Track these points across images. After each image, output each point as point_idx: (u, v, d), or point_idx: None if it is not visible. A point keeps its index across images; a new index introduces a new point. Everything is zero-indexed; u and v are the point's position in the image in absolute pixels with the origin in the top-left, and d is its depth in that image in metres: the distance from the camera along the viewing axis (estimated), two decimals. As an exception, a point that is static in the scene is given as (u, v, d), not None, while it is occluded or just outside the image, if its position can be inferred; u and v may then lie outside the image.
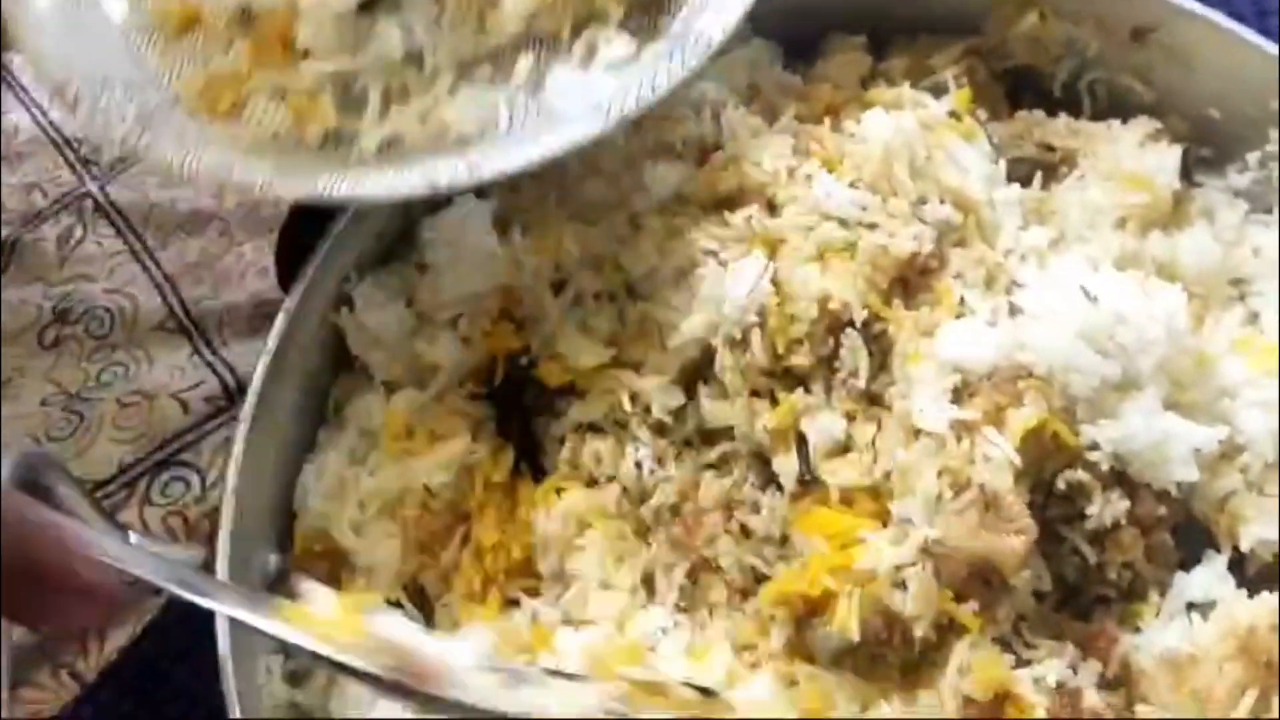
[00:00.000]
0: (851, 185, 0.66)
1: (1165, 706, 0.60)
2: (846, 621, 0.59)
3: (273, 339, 0.65)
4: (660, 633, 0.63)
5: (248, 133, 0.68)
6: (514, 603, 0.65)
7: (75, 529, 0.51)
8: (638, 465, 0.65)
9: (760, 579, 0.63)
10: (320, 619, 0.56)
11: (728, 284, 0.65)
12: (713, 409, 0.64)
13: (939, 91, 0.72)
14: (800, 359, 0.64)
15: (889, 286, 0.65)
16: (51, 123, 1.02)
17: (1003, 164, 0.70)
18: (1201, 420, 0.64)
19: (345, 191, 0.64)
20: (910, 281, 0.65)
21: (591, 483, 0.66)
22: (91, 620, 0.50)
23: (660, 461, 0.65)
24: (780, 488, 0.64)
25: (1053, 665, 0.60)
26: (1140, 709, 0.61)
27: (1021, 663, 0.61)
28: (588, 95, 0.67)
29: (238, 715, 0.58)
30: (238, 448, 0.63)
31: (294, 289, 0.66)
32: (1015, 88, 0.77)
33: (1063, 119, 0.74)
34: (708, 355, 0.65)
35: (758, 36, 0.75)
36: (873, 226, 0.65)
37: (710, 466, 0.65)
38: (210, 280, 0.91)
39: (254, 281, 0.91)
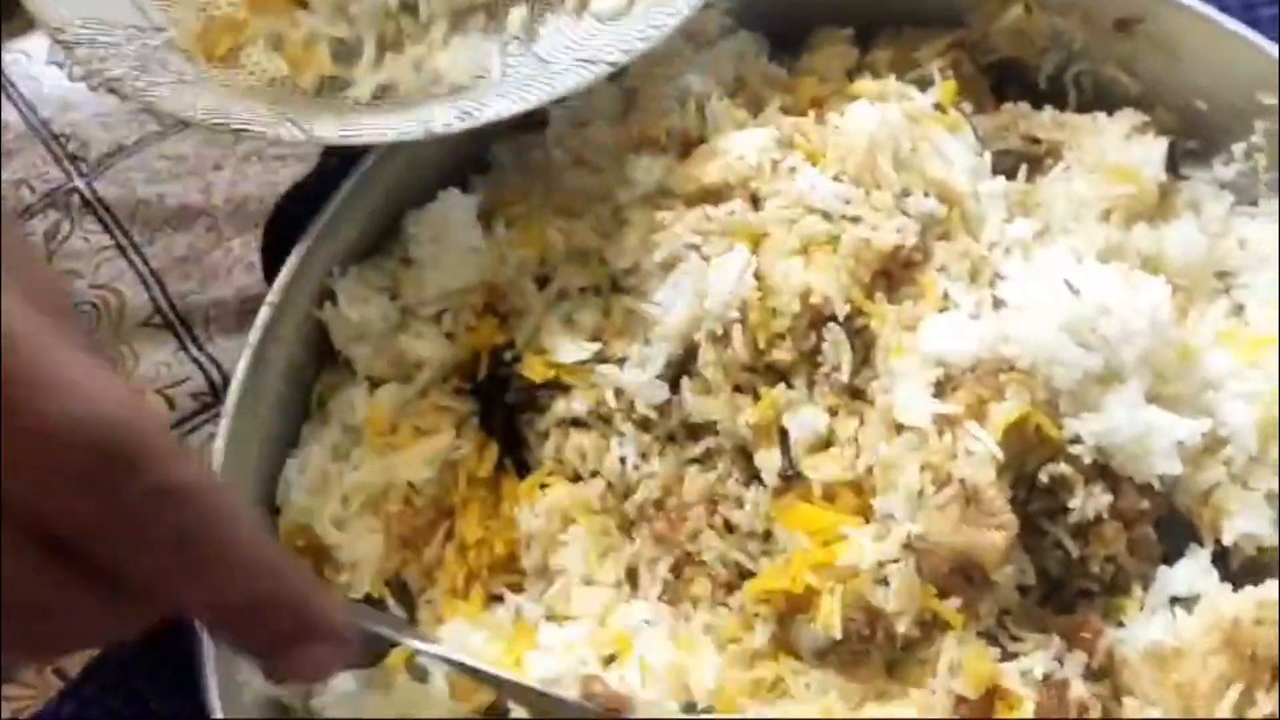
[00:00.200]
0: (835, 178, 0.65)
1: (1149, 699, 0.60)
2: (829, 619, 0.58)
3: (255, 333, 0.64)
4: (644, 624, 0.61)
5: (244, 78, 0.68)
6: (498, 598, 0.64)
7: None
8: (622, 460, 0.64)
9: (744, 574, 0.62)
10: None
11: (711, 279, 0.64)
12: (696, 404, 0.64)
13: (924, 84, 0.71)
14: (782, 353, 0.63)
15: (872, 280, 0.64)
16: (42, 121, 1.01)
17: (988, 156, 0.69)
18: (1185, 413, 0.63)
19: (338, 134, 0.64)
20: (894, 275, 0.65)
21: (576, 478, 0.65)
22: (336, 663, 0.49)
23: (644, 456, 0.64)
24: (764, 483, 0.63)
25: (1039, 658, 0.60)
26: (1126, 701, 0.60)
27: (1007, 656, 0.60)
28: (580, 45, 0.67)
29: (218, 715, 0.57)
30: (220, 442, 0.62)
31: (276, 283, 0.65)
32: (1001, 80, 0.76)
33: (1048, 111, 0.73)
34: (691, 350, 0.64)
35: (744, 29, 0.74)
36: (856, 219, 0.64)
37: (694, 461, 0.64)
38: (197, 275, 0.90)
39: (241, 277, 0.90)
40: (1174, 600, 0.62)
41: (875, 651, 0.60)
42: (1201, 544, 0.64)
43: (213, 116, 0.64)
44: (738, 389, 0.64)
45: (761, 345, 0.63)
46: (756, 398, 0.63)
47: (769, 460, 0.62)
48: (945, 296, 0.64)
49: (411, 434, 0.66)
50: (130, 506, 0.38)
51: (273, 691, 0.62)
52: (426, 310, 0.67)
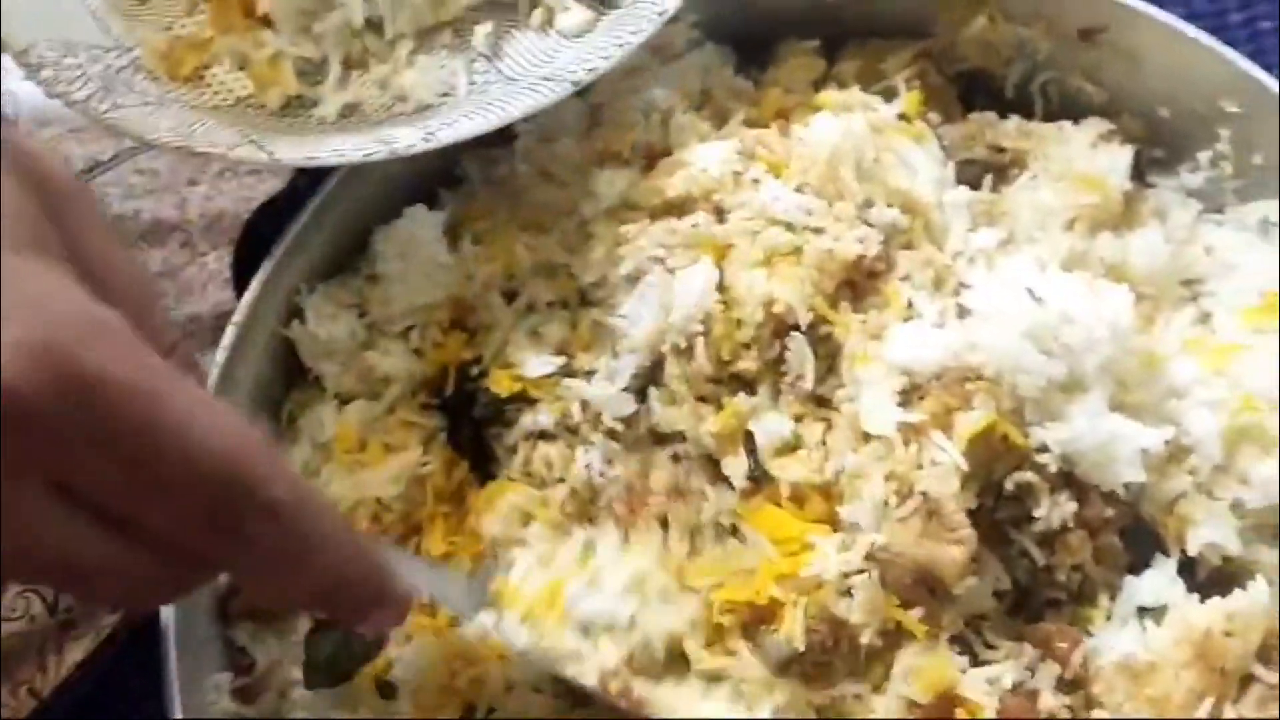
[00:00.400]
0: (798, 189, 0.64)
1: (1122, 712, 0.59)
2: (792, 631, 0.57)
3: (221, 351, 0.64)
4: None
5: (209, 98, 0.67)
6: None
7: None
8: (587, 467, 0.63)
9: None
10: None
11: (676, 291, 0.63)
12: (663, 414, 0.63)
13: (890, 95, 0.70)
14: (747, 363, 0.63)
15: (836, 290, 0.63)
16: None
17: (952, 166, 0.68)
18: (1148, 421, 0.62)
19: (302, 155, 0.63)
20: (858, 285, 0.64)
21: (542, 487, 0.64)
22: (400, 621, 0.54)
23: (610, 463, 0.63)
24: (731, 486, 0.62)
25: (1009, 666, 0.59)
26: (1096, 713, 0.59)
27: (979, 663, 0.59)
28: (545, 62, 0.67)
29: (182, 729, 0.57)
30: (189, 461, 0.61)
31: (241, 302, 0.64)
32: (968, 90, 0.76)
33: (1014, 121, 0.73)
34: (659, 361, 0.64)
35: (711, 42, 0.74)
36: (819, 230, 0.63)
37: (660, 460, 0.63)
38: (173, 291, 0.89)
39: (216, 292, 0.89)
40: (1141, 611, 0.61)
41: (838, 662, 0.59)
42: (1167, 554, 0.63)
43: (175, 139, 0.63)
44: (703, 399, 0.63)
45: (726, 356, 0.62)
46: (721, 408, 0.63)
47: (735, 466, 0.62)
48: (910, 305, 0.63)
49: (380, 451, 0.65)
50: (245, 524, 0.42)
51: (240, 711, 0.61)
52: (394, 326, 0.67)
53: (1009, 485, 0.61)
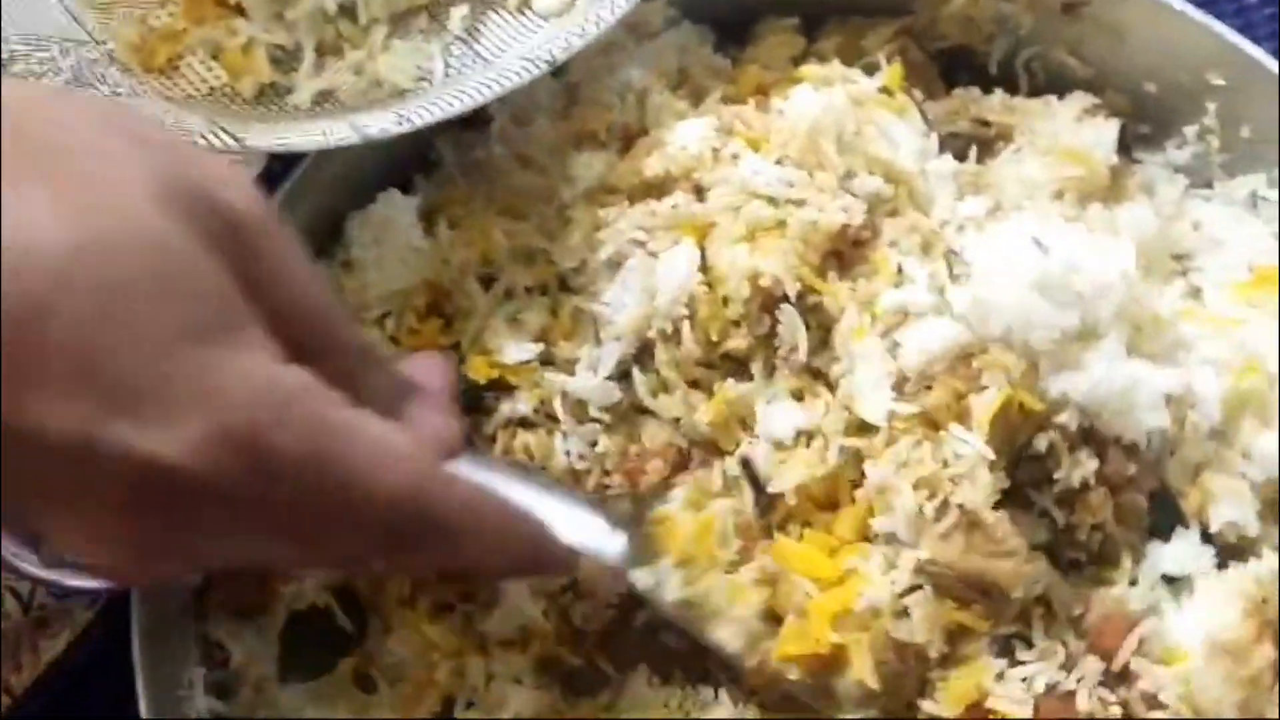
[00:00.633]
0: (778, 163, 0.62)
1: (1210, 696, 0.56)
2: (863, 673, 0.55)
3: (194, 342, 0.62)
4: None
5: (184, 88, 0.66)
6: (449, 608, 0.61)
7: None
8: (567, 454, 0.61)
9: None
10: None
11: (659, 275, 0.61)
12: (655, 402, 0.61)
13: (871, 70, 0.68)
14: (737, 341, 0.60)
15: (822, 261, 0.61)
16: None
17: (935, 137, 0.66)
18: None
19: (272, 141, 0.61)
20: (844, 255, 0.61)
21: (522, 474, 0.62)
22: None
23: (593, 445, 0.61)
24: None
25: (1042, 667, 0.56)
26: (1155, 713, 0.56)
27: (1015, 663, 0.57)
28: (522, 42, 0.66)
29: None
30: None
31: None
32: (950, 68, 0.74)
33: (998, 95, 0.71)
34: (645, 345, 0.61)
35: (689, 20, 0.72)
36: (801, 203, 0.61)
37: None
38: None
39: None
40: (1166, 579, 0.59)
41: (909, 680, 0.57)
42: (1187, 526, 0.61)
43: None
44: (695, 385, 0.61)
45: (715, 336, 0.60)
46: (714, 394, 0.61)
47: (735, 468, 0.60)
48: (899, 272, 0.61)
49: (357, 439, 0.63)
50: (420, 547, 0.45)
51: (214, 707, 0.59)
52: (370, 313, 0.64)
53: (1039, 445, 0.58)
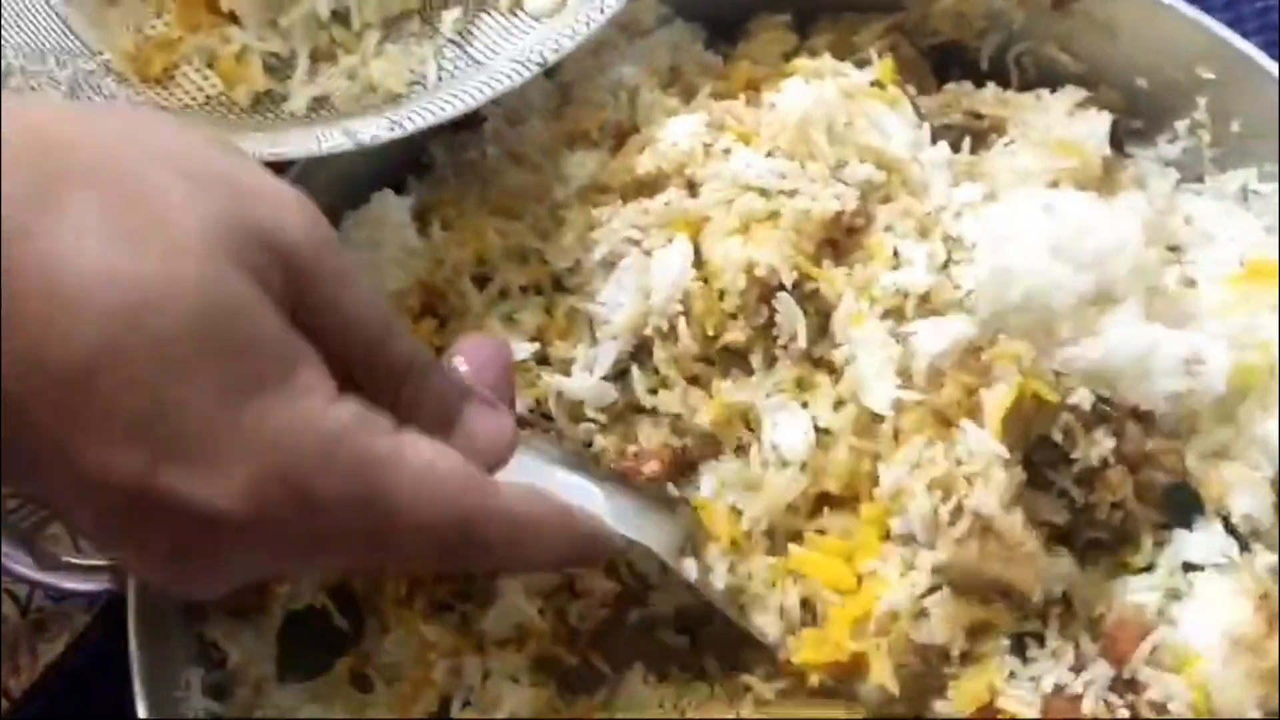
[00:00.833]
0: (769, 155, 0.61)
1: (1225, 695, 0.55)
2: (884, 678, 0.54)
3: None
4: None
5: (180, 97, 0.66)
6: (446, 607, 0.60)
7: None
8: (563, 453, 0.60)
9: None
10: None
11: (653, 273, 0.60)
12: (655, 400, 0.60)
13: (863, 65, 0.67)
14: (735, 334, 0.59)
15: (817, 250, 0.60)
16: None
17: (927, 129, 0.65)
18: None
19: (266, 150, 0.61)
20: (840, 243, 0.60)
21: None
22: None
23: (587, 445, 0.60)
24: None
25: (1050, 666, 0.55)
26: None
27: (1027, 661, 0.56)
28: (514, 44, 0.65)
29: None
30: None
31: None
32: (942, 64, 0.73)
33: (991, 89, 0.70)
34: (640, 344, 0.61)
35: (681, 18, 0.71)
36: (793, 193, 0.60)
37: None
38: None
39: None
40: (1187, 566, 0.58)
41: (931, 679, 0.56)
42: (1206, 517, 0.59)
43: None
44: (695, 381, 0.60)
45: (712, 331, 0.59)
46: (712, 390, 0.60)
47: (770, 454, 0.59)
48: (895, 255, 0.60)
49: (352, 441, 0.63)
50: (468, 559, 0.48)
51: (212, 708, 0.59)
52: (364, 314, 0.64)
53: (1055, 435, 0.57)
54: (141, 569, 0.42)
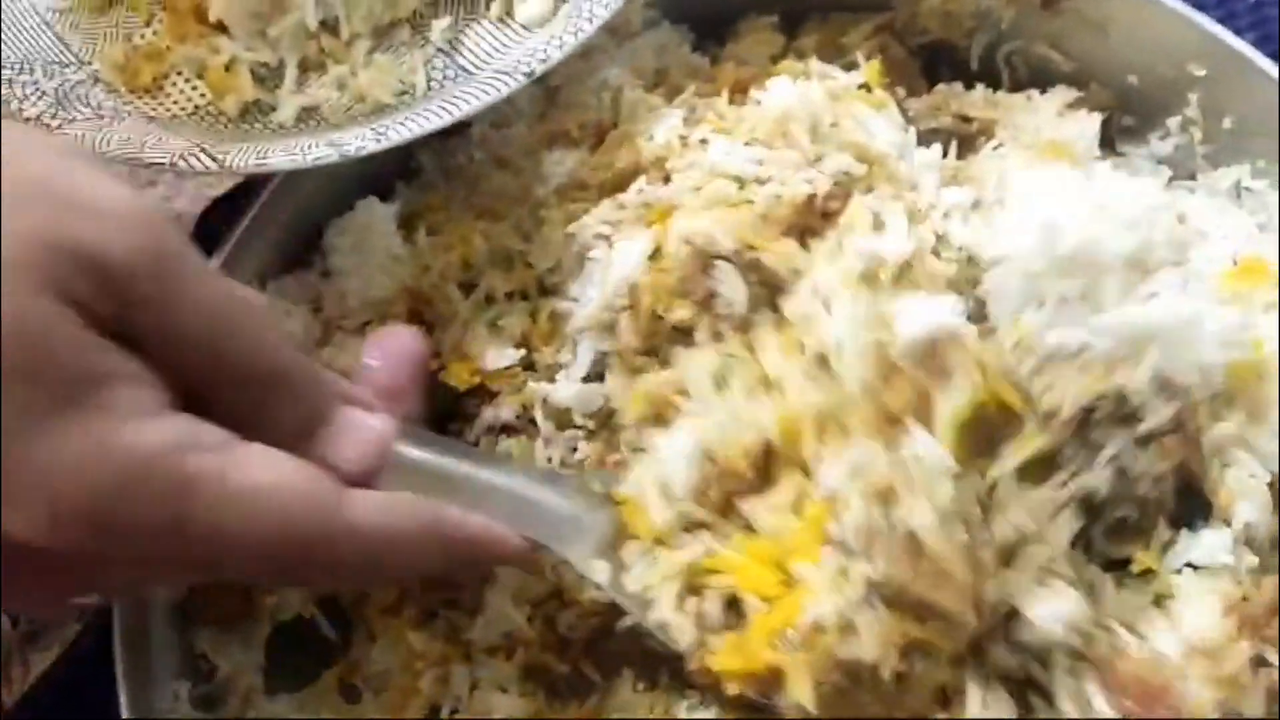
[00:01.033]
0: (746, 145, 0.59)
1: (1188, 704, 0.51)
2: (801, 695, 0.49)
3: (173, 354, 0.61)
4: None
5: (168, 107, 0.65)
6: (432, 615, 0.60)
7: None
8: (549, 460, 0.59)
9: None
10: None
11: (613, 265, 0.58)
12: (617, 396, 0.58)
13: (851, 69, 0.67)
14: (682, 312, 0.57)
15: (786, 232, 0.57)
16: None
17: (913, 132, 0.63)
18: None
19: (252, 161, 0.60)
20: (815, 229, 0.57)
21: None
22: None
23: (573, 451, 0.59)
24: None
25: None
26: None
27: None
28: (504, 54, 0.64)
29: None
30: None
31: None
32: (931, 63, 0.72)
33: (980, 91, 0.69)
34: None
35: (668, 21, 0.70)
36: (766, 180, 0.57)
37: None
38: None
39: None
40: (1190, 566, 0.55)
41: (866, 697, 0.50)
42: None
43: (125, 151, 0.60)
44: (639, 373, 0.58)
45: (660, 311, 0.57)
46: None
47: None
48: (876, 220, 0.56)
49: (339, 449, 0.62)
50: (313, 578, 0.50)
51: (202, 718, 0.58)
52: (350, 322, 0.63)
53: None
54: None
